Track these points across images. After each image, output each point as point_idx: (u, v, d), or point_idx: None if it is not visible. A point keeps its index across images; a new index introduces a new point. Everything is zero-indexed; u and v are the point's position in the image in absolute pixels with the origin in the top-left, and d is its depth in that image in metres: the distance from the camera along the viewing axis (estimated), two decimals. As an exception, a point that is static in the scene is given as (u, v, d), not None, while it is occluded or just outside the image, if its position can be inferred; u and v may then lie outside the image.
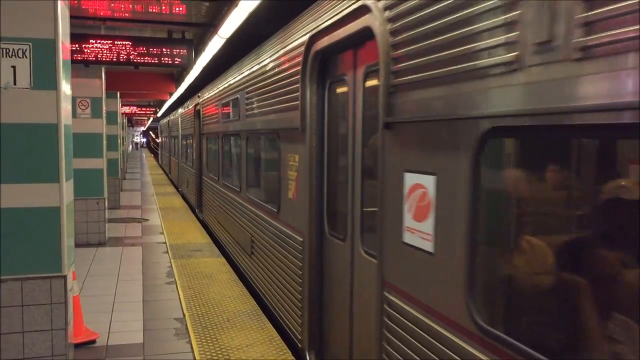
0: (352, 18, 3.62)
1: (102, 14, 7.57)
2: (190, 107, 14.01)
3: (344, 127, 4.10)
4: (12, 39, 3.79)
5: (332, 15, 4.01)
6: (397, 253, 3.00)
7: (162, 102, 22.66)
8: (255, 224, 6.51)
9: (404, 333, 2.90)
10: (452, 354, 2.44)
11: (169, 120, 23.69)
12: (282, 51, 5.35)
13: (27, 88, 3.83)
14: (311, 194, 4.52)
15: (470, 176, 2.34)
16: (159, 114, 31.28)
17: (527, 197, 2.28)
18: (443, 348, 2.51)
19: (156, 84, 14.36)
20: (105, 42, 7.69)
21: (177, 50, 7.93)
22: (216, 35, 7.65)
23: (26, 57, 3.82)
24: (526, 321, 2.25)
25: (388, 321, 3.08)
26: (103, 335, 5.20)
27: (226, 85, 8.35)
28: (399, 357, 2.95)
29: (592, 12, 1.71)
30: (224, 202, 8.80)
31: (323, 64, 4.45)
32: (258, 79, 6.25)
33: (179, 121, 17.67)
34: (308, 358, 4.56)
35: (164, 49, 7.86)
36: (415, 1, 2.76)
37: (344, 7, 3.77)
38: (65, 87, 4.05)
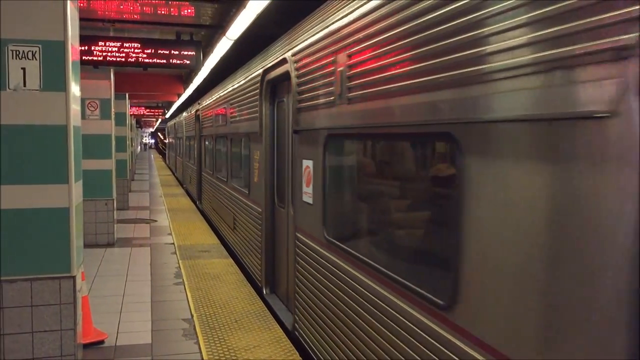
0: (280, 63, 5.58)
1: (111, 16, 7.60)
2: (192, 112, 15.87)
3: (284, 131, 5.91)
4: (22, 41, 3.82)
5: (273, 60, 5.98)
6: (300, 208, 4.96)
7: (171, 104, 22.74)
8: (236, 205, 8.42)
9: (303, 253, 4.83)
10: (316, 255, 4.46)
11: (174, 123, 25.77)
12: (248, 78, 7.39)
13: (37, 90, 3.86)
14: (266, 178, 6.47)
15: (322, 159, 4.32)
16: (167, 115, 31.37)
17: (347, 168, 4.22)
18: (313, 253, 4.54)
19: (164, 85, 14.41)
20: (114, 43, 7.72)
21: (186, 52, 7.95)
22: (224, 37, 7.67)
23: (36, 58, 3.85)
24: (347, 234, 4.08)
25: (297, 249, 5.01)
26: (112, 336, 5.22)
27: (217, 97, 10.53)
28: (302, 266, 4.86)
29: (349, 84, 3.62)
30: (217, 192, 10.74)
31: (273, 89, 6.33)
32: (235, 95, 8.33)
33: (183, 124, 19.66)
34: (264, 292, 6.52)
35: (172, 51, 7.89)
36: (305, 61, 4.69)
37: (277, 57, 5.77)
38: (75, 89, 4.07)
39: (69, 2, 3.89)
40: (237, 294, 6.54)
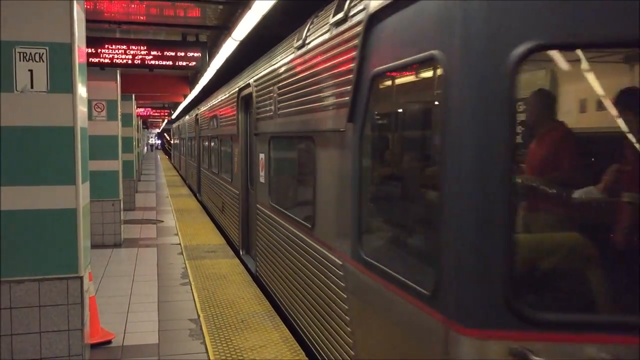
0: (247, 86, 7.50)
1: (117, 17, 7.64)
2: (193, 115, 18.20)
3: (251, 134, 7.63)
4: (29, 43, 3.85)
5: (244, 83, 7.93)
6: (258, 187, 6.99)
7: (177, 104, 22.79)
8: (224, 191, 10.54)
9: (260, 217, 6.79)
10: (266, 217, 6.34)
11: (178, 125, 28.69)
12: (230, 93, 9.49)
13: (44, 91, 3.88)
14: (242, 169, 8.45)
15: (268, 153, 6.30)
16: (173, 116, 31.43)
17: (279, 158, 6.21)
18: (265, 216, 6.45)
19: (171, 86, 14.44)
20: (120, 45, 7.76)
21: (191, 53, 7.98)
22: (230, 38, 7.69)
23: (43, 60, 3.88)
24: (280, 200, 5.97)
25: (257, 216, 6.99)
26: (119, 336, 5.25)
27: (211, 104, 12.71)
28: (259, 226, 6.83)
29: (278, 106, 5.67)
30: (211, 183, 12.86)
31: (245, 102, 8.17)
32: (222, 105, 10.51)
33: (185, 126, 22.01)
34: (241, 252, 8.59)
35: (178, 52, 7.92)
36: (259, 87, 6.56)
37: (246, 80, 7.69)
38: (82, 90, 4.10)
39: (75, 4, 3.91)
40: (243, 294, 6.56)
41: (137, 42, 7.88)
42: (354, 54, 3.54)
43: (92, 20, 7.49)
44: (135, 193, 15.49)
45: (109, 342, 5.10)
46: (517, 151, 2.49)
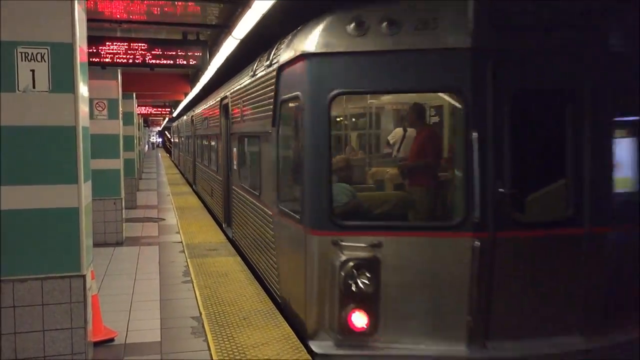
0: (226, 97, 9.55)
1: (118, 16, 7.65)
2: (189, 117, 20.50)
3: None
4: (30, 43, 3.87)
5: (223, 93, 10.05)
6: (233, 173, 9.29)
7: (177, 103, 22.81)
8: (212, 180, 12.61)
9: (233, 194, 9.04)
10: (235, 193, 8.88)
11: (177, 125, 31.80)
12: (215, 100, 11.44)
13: (46, 91, 3.90)
14: (224, 160, 10.40)
15: (237, 147, 8.69)
16: (174, 114, 31.45)
17: (242, 151, 8.44)
18: (235, 193, 8.98)
19: (171, 84, 14.46)
20: (121, 44, 7.76)
21: (192, 52, 7.99)
22: (230, 37, 7.70)
23: (45, 60, 3.90)
24: (243, 178, 8.34)
25: (232, 194, 9.34)
26: (121, 334, 5.27)
27: (202, 109, 15.21)
28: (232, 201, 9.25)
29: (239, 114, 8.30)
30: (203, 174, 15.15)
31: (225, 109, 9.94)
32: (209, 109, 12.90)
33: (183, 125, 24.11)
34: (224, 225, 10.66)
35: (178, 51, 7.93)
36: (231, 98, 8.90)
37: (225, 92, 9.72)
38: (83, 90, 4.12)
39: (76, 3, 3.93)
40: (245, 291, 6.58)
41: (138, 41, 7.88)
42: (273, 86, 5.68)
43: (93, 20, 7.50)
44: (137, 191, 15.51)
45: (112, 340, 5.12)
46: (334, 143, 4.79)
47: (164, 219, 12.23)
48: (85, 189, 4.14)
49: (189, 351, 4.87)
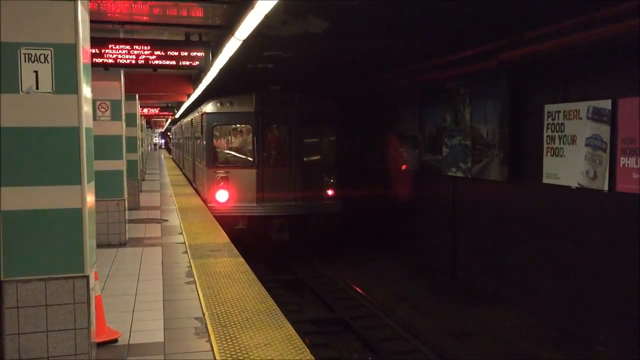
0: (190, 120, 20.62)
1: (121, 18, 7.66)
2: (178, 126, 30.30)
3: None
4: (34, 44, 3.88)
5: (190, 118, 20.70)
6: (194, 154, 19.19)
7: (180, 104, 22.91)
8: (188, 160, 22.40)
9: (195, 164, 18.88)
10: (197, 168, 18.37)
11: (174, 129, 40.49)
12: (197, 114, 16.87)
13: (49, 92, 3.91)
14: (191, 149, 20.35)
15: (194, 143, 19.17)
16: (176, 116, 31.51)
17: (196, 145, 18.65)
18: (197, 167, 18.55)
19: (174, 85, 14.48)
20: (124, 45, 7.77)
21: (195, 53, 7.99)
22: (233, 37, 7.71)
23: (48, 61, 3.91)
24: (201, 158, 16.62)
25: (196, 164, 18.72)
26: (124, 335, 5.27)
27: (189, 119, 21.22)
28: (195, 167, 19.02)
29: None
30: (189, 162, 21.97)
31: (192, 124, 19.26)
32: (195, 118, 18.01)
33: (180, 129, 29.49)
34: (192, 179, 20.40)
35: (181, 52, 7.93)
36: (192, 121, 19.39)
37: (190, 118, 20.76)
38: (86, 91, 4.13)
39: (79, 5, 3.94)
40: (247, 292, 6.58)
41: (141, 42, 7.89)
42: (200, 120, 15.46)
43: (96, 21, 7.51)
44: (140, 192, 15.53)
45: (115, 340, 5.13)
46: (216, 140, 14.76)
47: (167, 220, 12.24)
48: (89, 189, 4.14)
49: (192, 352, 4.87)
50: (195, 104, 19.05)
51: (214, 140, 14.57)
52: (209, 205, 13.90)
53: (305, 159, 14.41)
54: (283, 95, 14.35)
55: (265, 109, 14.05)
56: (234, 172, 14.05)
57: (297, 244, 14.20)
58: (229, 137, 15.08)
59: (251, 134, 14.10)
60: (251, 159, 14.12)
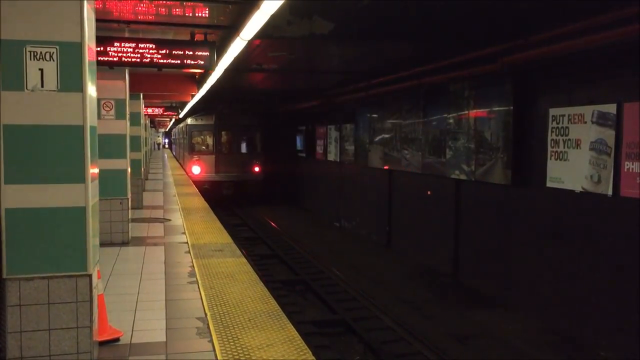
0: (183, 126, 32.63)
1: (126, 17, 7.66)
2: (176, 129, 39.89)
3: None
4: (39, 42, 3.88)
5: (182, 125, 32.88)
6: (185, 148, 28.93)
7: (184, 104, 22.97)
8: (183, 155, 30.56)
9: (185, 155, 29.05)
10: (185, 157, 30.39)
11: (174, 131, 53.46)
12: (184, 124, 30.55)
13: (54, 90, 3.91)
14: (182, 145, 32.11)
15: (184, 141, 31.10)
16: (180, 115, 31.67)
17: (185, 142, 29.41)
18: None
19: (178, 85, 14.47)
20: (129, 44, 7.77)
21: (200, 52, 7.98)
22: (238, 37, 7.71)
23: (53, 60, 3.90)
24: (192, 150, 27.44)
25: (185, 155, 30.20)
26: (126, 334, 5.27)
27: (181, 126, 33.86)
28: (184, 157, 29.82)
29: None
30: (181, 153, 33.31)
31: (184, 129, 30.80)
32: (183, 127, 32.00)
33: (177, 132, 39.66)
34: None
35: (186, 51, 7.92)
36: (193, 124, 26.90)
37: (182, 125, 33.70)
38: (91, 89, 4.12)
39: (85, 3, 3.94)
40: (250, 293, 6.58)
41: (146, 41, 7.89)
42: (186, 128, 27.39)
43: (101, 20, 7.52)
44: (143, 191, 15.54)
45: (117, 339, 5.12)
46: (193, 139, 26.22)
47: (170, 220, 12.24)
48: (92, 188, 4.14)
49: (194, 352, 4.87)
50: (184, 118, 30.27)
51: (192, 139, 25.76)
52: (188, 175, 25.07)
53: (242, 150, 25.94)
54: (230, 114, 25.66)
55: (220, 122, 25.56)
56: (202, 156, 25.26)
57: (237, 197, 25.14)
58: (200, 137, 25.89)
59: (212, 136, 25.53)
60: (212, 150, 25.38)
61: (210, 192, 23.17)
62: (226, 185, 24.81)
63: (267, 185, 26.71)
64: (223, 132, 25.69)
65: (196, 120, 25.86)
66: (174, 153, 52.91)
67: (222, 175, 24.92)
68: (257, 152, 26.00)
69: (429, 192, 13.74)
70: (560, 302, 9.27)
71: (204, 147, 25.67)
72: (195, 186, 19.99)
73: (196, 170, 24.94)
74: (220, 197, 24.00)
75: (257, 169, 25.58)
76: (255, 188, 25.55)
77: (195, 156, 25.23)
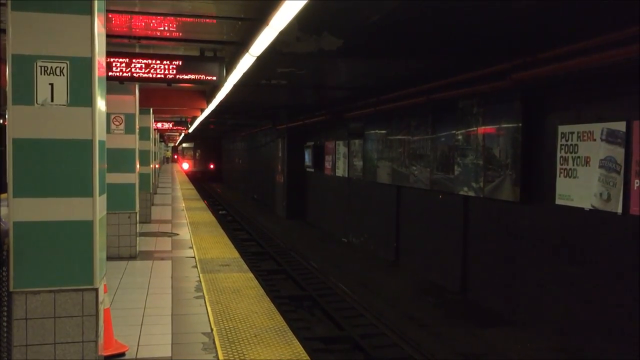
0: (182, 147, 70.82)
1: (137, 33, 7.73)
2: (181, 147, 70.47)
3: None
4: (50, 57, 3.92)
5: (183, 145, 69.98)
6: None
7: (194, 119, 23.05)
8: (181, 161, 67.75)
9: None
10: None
11: (180, 149, 70.12)
12: (181, 146, 68.96)
13: (64, 105, 3.94)
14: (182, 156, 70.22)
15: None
16: (190, 130, 31.77)
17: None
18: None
19: (188, 100, 14.59)
20: (139, 60, 7.83)
21: (209, 68, 8.03)
22: (247, 54, 7.76)
23: (63, 74, 3.94)
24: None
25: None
26: (132, 348, 5.26)
27: (187, 146, 66.73)
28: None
29: None
30: (181, 159, 69.67)
31: (182, 149, 72.96)
32: (181, 148, 69.27)
33: (179, 150, 68.79)
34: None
35: (196, 67, 7.97)
36: (185, 147, 67.27)
37: (182, 145, 69.61)
38: (101, 104, 4.15)
39: (96, 19, 3.98)
40: (256, 308, 6.56)
41: (156, 57, 7.95)
42: (181, 148, 69.95)
43: (112, 35, 7.60)
44: (151, 206, 15.59)
45: (123, 354, 5.11)
46: (184, 153, 67.08)
47: (177, 234, 12.26)
48: (100, 202, 4.16)
49: (200, 367, 4.85)
50: (182, 142, 52.35)
51: (183, 152, 66.13)
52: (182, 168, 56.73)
53: (208, 159, 57.64)
54: (202, 141, 56.13)
55: (197, 146, 59.99)
56: (188, 161, 62.97)
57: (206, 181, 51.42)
58: (188, 153, 63.04)
59: (193, 152, 61.58)
60: (192, 159, 61.41)
61: (192, 178, 40.97)
62: (200, 173, 55.53)
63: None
64: (198, 151, 54.21)
65: (186, 144, 49.49)
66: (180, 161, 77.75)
67: (199, 170, 54.60)
68: (217, 159, 56.19)
69: (440, 196, 13.64)
70: (572, 321, 9.17)
71: (190, 157, 47.15)
72: (186, 174, 45.10)
73: (185, 166, 53.55)
74: (201, 180, 47.53)
75: (212, 166, 56.75)
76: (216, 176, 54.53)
77: (185, 161, 47.28)
